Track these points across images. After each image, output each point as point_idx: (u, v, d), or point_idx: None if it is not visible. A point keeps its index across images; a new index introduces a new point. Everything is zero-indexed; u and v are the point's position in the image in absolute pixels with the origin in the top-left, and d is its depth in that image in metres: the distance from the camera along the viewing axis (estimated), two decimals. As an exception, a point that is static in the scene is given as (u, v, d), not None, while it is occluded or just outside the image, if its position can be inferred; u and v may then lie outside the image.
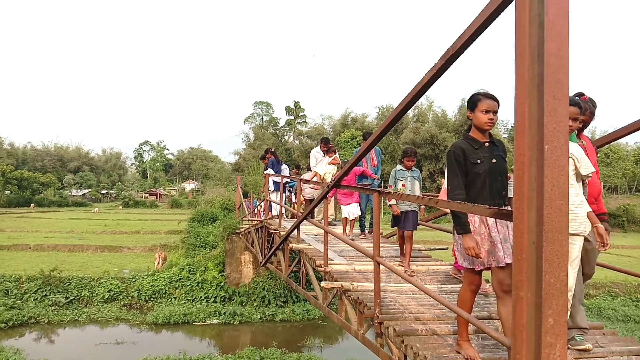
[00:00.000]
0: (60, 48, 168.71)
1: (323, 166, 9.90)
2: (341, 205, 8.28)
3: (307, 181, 8.87)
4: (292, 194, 12.64)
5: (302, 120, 58.20)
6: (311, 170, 10.65)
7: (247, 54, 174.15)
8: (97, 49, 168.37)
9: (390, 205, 6.18)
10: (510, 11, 1.76)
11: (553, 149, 1.57)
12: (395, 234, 8.89)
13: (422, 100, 41.70)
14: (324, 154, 10.18)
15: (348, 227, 8.15)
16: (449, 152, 3.17)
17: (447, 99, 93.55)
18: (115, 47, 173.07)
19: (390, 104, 46.43)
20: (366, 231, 8.66)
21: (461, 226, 3.02)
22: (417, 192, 6.08)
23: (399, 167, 6.15)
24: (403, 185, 5.96)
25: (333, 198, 9.84)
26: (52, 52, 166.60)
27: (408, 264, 5.82)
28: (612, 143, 16.67)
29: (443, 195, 5.03)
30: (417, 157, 6.26)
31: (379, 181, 8.50)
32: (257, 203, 14.77)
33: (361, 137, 37.81)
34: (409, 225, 5.95)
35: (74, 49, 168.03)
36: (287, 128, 59.56)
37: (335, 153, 9.98)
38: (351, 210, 8.11)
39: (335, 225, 9.81)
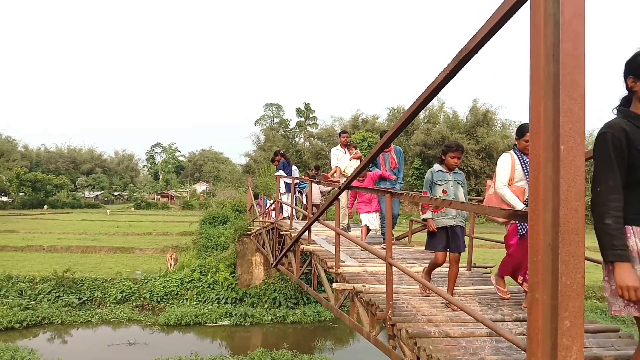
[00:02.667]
0: (73, 51, 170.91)
1: (344, 162, 9.35)
2: (360, 214, 7.74)
3: (318, 182, 8.78)
4: (303, 195, 12.59)
5: (313, 121, 58.19)
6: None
7: (258, 56, 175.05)
8: (110, 52, 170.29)
9: (424, 219, 4.57)
10: (524, 11, 1.74)
11: (569, 149, 1.56)
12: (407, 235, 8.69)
13: (434, 101, 41.42)
14: (345, 150, 9.59)
15: (363, 235, 7.72)
16: (602, 134, 2.08)
17: (458, 100, 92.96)
18: (127, 50, 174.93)
19: (401, 105, 46.32)
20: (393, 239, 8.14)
21: (612, 249, 1.99)
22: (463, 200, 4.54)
23: (437, 167, 4.51)
24: (444, 192, 4.37)
25: (347, 205, 8.99)
26: (65, 55, 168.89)
27: (452, 289, 4.44)
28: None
29: (490, 200, 4.40)
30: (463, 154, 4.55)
31: (402, 184, 7.89)
32: (269, 202, 14.78)
33: (372, 139, 37.68)
34: (456, 245, 4.38)
35: (87, 52, 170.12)
36: (298, 130, 59.57)
37: (355, 148, 9.45)
38: (371, 220, 7.57)
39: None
